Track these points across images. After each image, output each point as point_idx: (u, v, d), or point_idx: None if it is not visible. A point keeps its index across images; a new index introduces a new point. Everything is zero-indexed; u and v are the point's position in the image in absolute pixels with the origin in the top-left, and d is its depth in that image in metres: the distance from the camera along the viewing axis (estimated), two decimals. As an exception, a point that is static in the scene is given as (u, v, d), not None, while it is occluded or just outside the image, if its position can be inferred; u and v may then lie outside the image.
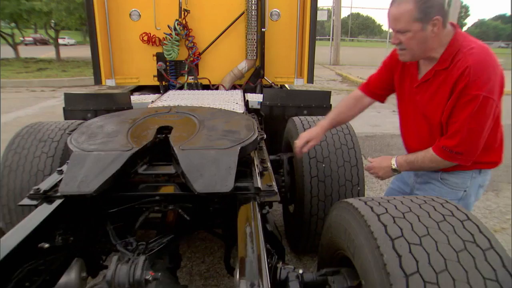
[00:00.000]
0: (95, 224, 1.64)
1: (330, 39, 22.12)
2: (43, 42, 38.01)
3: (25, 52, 23.20)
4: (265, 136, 1.96)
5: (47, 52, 23.56)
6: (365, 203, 1.35)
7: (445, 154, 1.61)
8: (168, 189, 1.66)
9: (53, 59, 18.97)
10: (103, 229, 1.62)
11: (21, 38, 25.39)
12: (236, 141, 1.69)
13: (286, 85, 4.80)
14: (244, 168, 1.77)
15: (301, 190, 2.37)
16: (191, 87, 4.38)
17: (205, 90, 4.17)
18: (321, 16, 20.92)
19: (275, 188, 1.56)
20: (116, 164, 1.57)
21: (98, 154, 1.63)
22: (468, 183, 1.74)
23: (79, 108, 3.39)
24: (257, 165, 1.76)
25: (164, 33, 4.16)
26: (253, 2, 4.01)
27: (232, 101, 3.46)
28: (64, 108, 3.41)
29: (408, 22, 1.48)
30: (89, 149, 1.67)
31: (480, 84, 1.46)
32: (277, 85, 4.49)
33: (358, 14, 79.94)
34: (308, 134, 2.03)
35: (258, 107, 3.54)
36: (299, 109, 3.38)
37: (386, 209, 1.28)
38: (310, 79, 4.34)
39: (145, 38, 4.24)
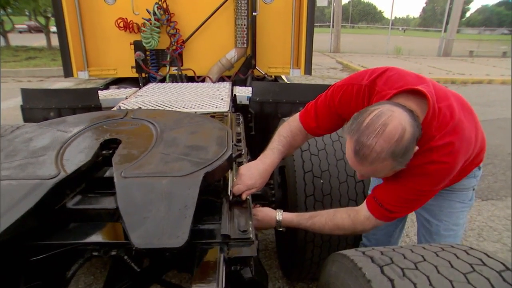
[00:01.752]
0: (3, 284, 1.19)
1: (331, 26, 21.49)
2: (38, 30, 37.09)
3: (19, 40, 22.53)
4: (243, 151, 1.51)
5: (41, 40, 22.88)
6: (381, 269, 0.90)
7: (377, 210, 1.41)
8: (108, 231, 1.21)
9: (45, 48, 18.35)
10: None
11: (12, 26, 24.54)
12: (199, 163, 1.23)
13: (284, 77, 4.31)
14: (212, 197, 1.32)
15: (294, 211, 1.92)
16: (174, 79, 3.90)
17: (189, 83, 3.68)
18: (321, 2, 20.27)
19: (252, 234, 1.11)
20: (31, 199, 1.12)
21: (8, 184, 1.18)
22: (474, 182, 1.63)
23: (39, 106, 2.92)
24: (231, 194, 1.31)
25: (142, 18, 3.67)
26: (242, -18, 3.52)
27: (217, 96, 2.99)
28: (22, 106, 2.95)
29: (387, 172, 1.26)
30: (-3, 176, 1.22)
31: (436, 182, 1.31)
32: (271, 76, 4.01)
33: (359, 0, 78.52)
34: (251, 181, 1.44)
35: (248, 102, 3.07)
36: (294, 105, 2.91)
37: (414, 285, 0.83)
38: (308, 70, 3.85)
39: (122, 24, 3.75)
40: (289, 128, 1.65)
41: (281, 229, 1.60)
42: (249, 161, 2.30)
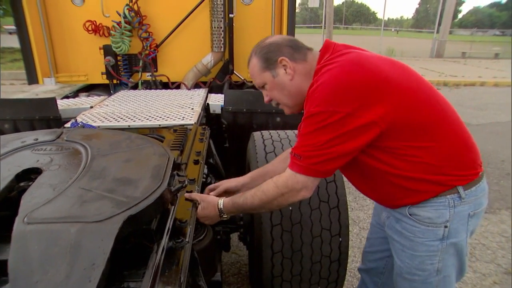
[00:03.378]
0: None
1: (322, 27, 21.36)
2: (28, 31, 36.43)
3: (8, 41, 22.05)
4: (186, 183, 1.28)
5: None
6: None
7: (291, 160, 1.29)
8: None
9: (32, 49, 17.95)
10: None
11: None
12: (123, 204, 0.99)
13: None
14: (145, 241, 1.09)
15: (259, 242, 1.69)
16: (148, 85, 3.66)
17: (162, 90, 3.45)
18: (313, 3, 20.20)
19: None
20: None
21: None
22: (447, 215, 1.27)
23: (-8, 117, 2.67)
24: (165, 242, 1.07)
25: (112, 21, 3.43)
26: (218, -18, 3.29)
27: (188, 105, 2.76)
28: (-28, 117, 2.69)
29: (259, 74, 1.41)
30: None
31: (317, 104, 1.18)
32: (251, 82, 3.78)
33: (352, 1, 78.59)
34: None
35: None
36: (270, 116, 2.69)
37: None
38: (290, 75, 3.63)
39: (90, 27, 3.50)
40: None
41: (225, 217, 1.46)
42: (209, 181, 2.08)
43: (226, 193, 1.60)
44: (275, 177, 1.34)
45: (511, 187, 4.03)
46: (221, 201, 1.45)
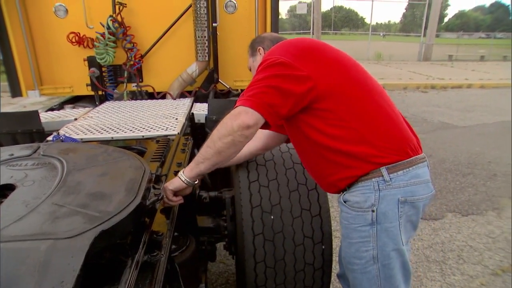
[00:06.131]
0: None
1: (311, 33, 21.51)
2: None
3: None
4: (161, 195, 1.27)
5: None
6: None
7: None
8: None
9: (20, 61, 17.81)
10: None
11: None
12: (95, 219, 0.98)
13: None
14: (120, 256, 1.08)
15: (242, 251, 1.68)
16: (134, 96, 3.65)
17: (147, 100, 3.44)
18: (301, 10, 20.36)
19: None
20: None
21: None
22: (372, 199, 1.30)
23: (-28, 132, 2.63)
24: (140, 256, 1.06)
25: (96, 32, 3.42)
26: (202, -9, 3.30)
27: (172, 115, 2.76)
28: (-48, 132, 2.66)
29: (248, 60, 1.82)
30: None
31: (267, 56, 1.40)
32: (237, 90, 3.79)
33: (341, 7, 79.23)
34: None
35: (206, 121, 2.84)
36: (255, 124, 2.68)
37: None
38: (275, 82, 3.64)
39: (74, 39, 3.49)
40: None
41: (196, 182, 1.45)
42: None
43: None
44: None
45: (497, 188, 4.07)
46: (183, 175, 1.42)
